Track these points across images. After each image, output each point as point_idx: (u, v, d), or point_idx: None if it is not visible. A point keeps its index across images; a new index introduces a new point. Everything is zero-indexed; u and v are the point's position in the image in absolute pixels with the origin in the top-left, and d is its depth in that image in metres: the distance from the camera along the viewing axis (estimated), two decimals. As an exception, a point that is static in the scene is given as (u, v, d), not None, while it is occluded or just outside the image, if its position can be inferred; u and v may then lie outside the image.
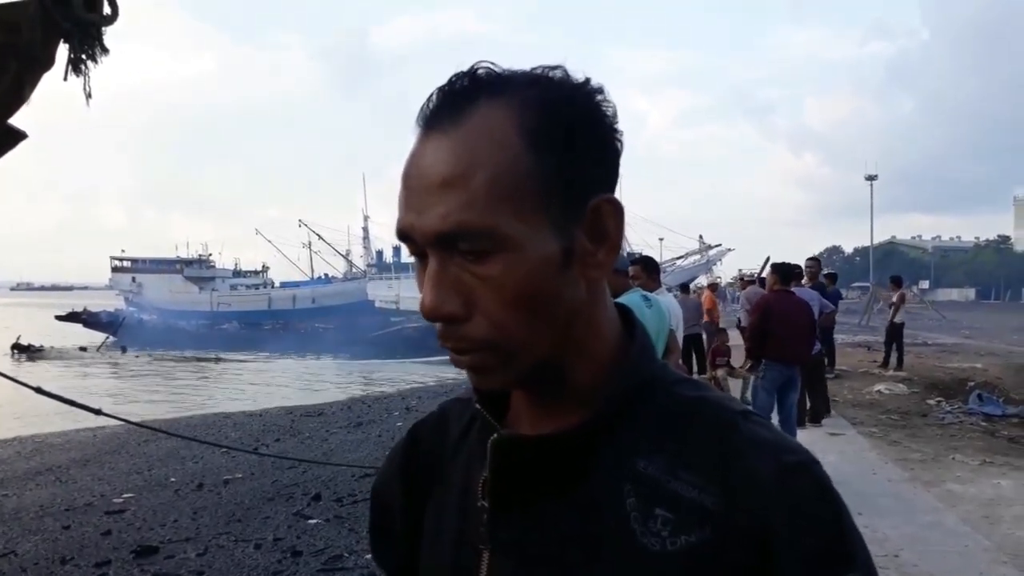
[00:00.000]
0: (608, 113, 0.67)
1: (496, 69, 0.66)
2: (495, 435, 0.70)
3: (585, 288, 0.67)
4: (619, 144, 0.68)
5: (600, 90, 0.67)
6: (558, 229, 0.64)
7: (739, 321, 13.24)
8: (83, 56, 3.46)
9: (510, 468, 0.69)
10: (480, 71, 0.65)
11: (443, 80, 0.67)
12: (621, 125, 0.68)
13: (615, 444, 0.68)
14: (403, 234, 0.65)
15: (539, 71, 0.67)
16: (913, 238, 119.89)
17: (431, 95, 0.66)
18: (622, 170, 0.69)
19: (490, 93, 0.64)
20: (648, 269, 4.90)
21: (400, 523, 0.82)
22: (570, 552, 0.66)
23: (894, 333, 14.45)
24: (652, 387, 0.70)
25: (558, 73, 0.66)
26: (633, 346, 0.72)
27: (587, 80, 0.67)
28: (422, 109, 0.66)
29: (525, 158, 0.62)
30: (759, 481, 0.63)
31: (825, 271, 11.96)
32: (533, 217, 0.63)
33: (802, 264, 9.54)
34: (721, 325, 13.39)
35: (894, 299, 15.00)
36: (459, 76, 0.65)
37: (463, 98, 0.64)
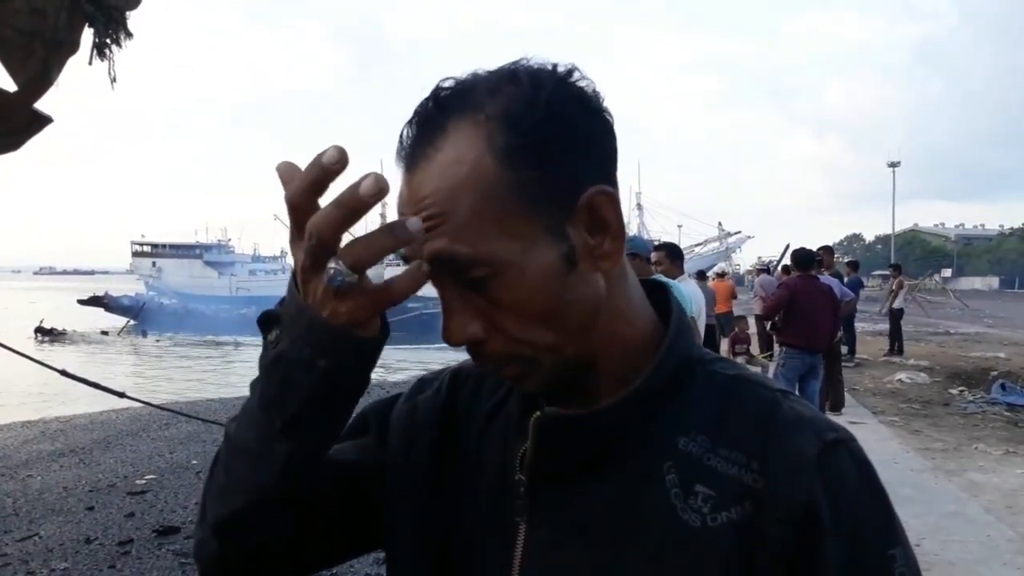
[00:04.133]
0: (587, 92, 0.65)
1: (458, 84, 0.64)
2: (537, 412, 0.70)
3: (603, 281, 0.66)
4: (606, 120, 0.66)
5: (569, 74, 0.65)
6: (553, 235, 0.63)
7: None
8: (107, 40, 3.47)
9: (551, 444, 0.69)
10: (442, 93, 0.64)
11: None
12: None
13: (655, 422, 0.68)
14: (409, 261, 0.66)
15: (505, 70, 0.64)
16: (935, 226, 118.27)
17: (402, 131, 0.65)
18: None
19: (455, 114, 0.63)
20: (671, 256, 4.88)
21: (402, 445, 0.79)
22: (608, 527, 0.66)
23: (894, 319, 14.99)
24: (691, 366, 0.70)
25: (521, 70, 0.64)
26: (669, 327, 0.71)
27: (553, 68, 0.65)
28: (398, 148, 0.65)
29: (501, 176, 0.61)
30: (801, 458, 0.63)
31: (846, 259, 11.98)
32: (524, 231, 0.62)
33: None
34: (739, 313, 13.33)
35: (892, 286, 15.77)
36: (423, 103, 0.65)
37: (431, 127, 0.63)
